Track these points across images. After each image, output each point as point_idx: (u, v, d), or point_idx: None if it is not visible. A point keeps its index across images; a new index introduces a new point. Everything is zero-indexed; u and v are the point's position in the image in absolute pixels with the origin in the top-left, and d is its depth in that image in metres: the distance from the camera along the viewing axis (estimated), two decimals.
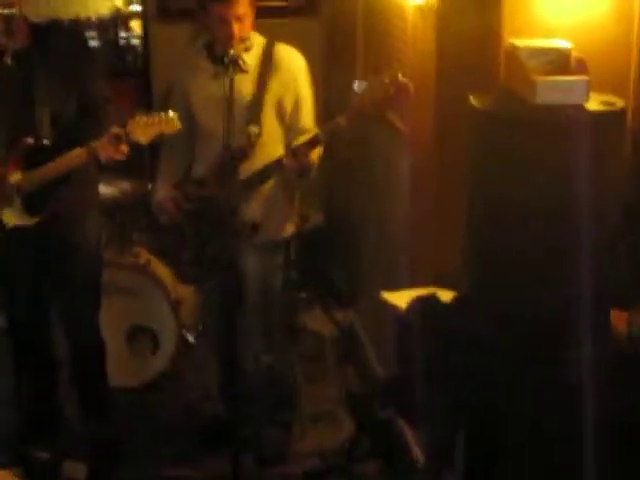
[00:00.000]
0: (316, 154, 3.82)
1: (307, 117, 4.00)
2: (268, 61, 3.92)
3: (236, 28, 3.80)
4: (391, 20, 4.18)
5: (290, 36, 4.10)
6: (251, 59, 3.92)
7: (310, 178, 3.89)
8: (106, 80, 4.12)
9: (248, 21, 3.86)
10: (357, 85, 3.52)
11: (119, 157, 3.69)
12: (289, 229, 4.20)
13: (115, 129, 3.63)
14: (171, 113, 3.65)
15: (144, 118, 3.63)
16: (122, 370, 4.65)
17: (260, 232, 3.93)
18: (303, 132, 3.92)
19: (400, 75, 3.45)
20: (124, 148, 3.66)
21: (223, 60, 3.75)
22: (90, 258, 4.13)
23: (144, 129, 3.62)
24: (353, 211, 5.38)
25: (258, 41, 3.97)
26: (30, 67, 3.80)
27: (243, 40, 3.87)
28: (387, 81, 3.44)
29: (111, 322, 4.50)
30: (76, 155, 3.71)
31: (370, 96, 3.49)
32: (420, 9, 3.57)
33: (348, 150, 4.00)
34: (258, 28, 3.98)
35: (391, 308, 3.32)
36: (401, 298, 3.29)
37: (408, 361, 3.18)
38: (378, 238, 4.78)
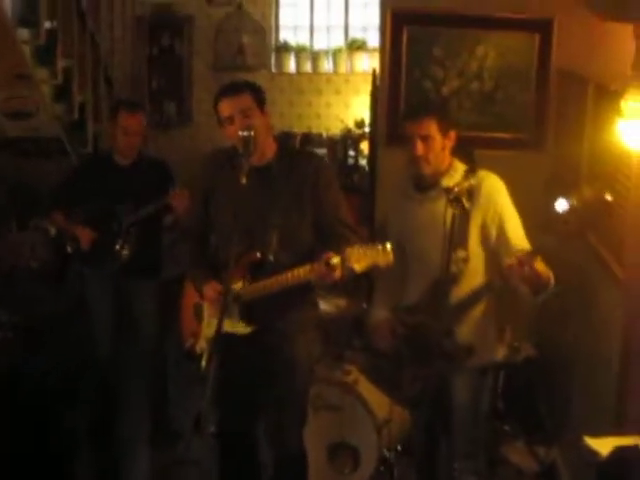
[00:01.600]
0: (543, 269, 3.71)
1: (515, 236, 3.97)
2: (468, 188, 3.90)
3: (420, 148, 3.94)
4: (614, 164, 4.18)
5: (516, 169, 4.14)
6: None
7: (547, 292, 3.82)
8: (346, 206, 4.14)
9: (435, 144, 3.96)
10: (558, 203, 3.45)
11: (330, 282, 3.73)
12: (500, 353, 4.21)
13: (331, 257, 3.62)
14: (388, 245, 3.57)
15: (361, 248, 3.58)
16: None
17: (473, 355, 3.99)
18: (515, 251, 3.84)
19: (606, 194, 3.40)
20: (337, 275, 3.65)
21: (423, 188, 4.00)
22: (300, 374, 4.14)
23: (359, 259, 3.56)
24: (563, 347, 5.33)
25: (459, 169, 4.03)
26: (264, 185, 3.93)
27: (443, 168, 4.02)
28: (589, 195, 3.41)
29: (314, 435, 4.61)
30: (296, 274, 3.80)
31: (574, 213, 3.40)
32: None
33: (561, 287, 4.00)
34: (486, 159, 4.07)
35: (592, 454, 3.29)
36: (603, 444, 3.25)
37: None
38: (586, 378, 4.71)
